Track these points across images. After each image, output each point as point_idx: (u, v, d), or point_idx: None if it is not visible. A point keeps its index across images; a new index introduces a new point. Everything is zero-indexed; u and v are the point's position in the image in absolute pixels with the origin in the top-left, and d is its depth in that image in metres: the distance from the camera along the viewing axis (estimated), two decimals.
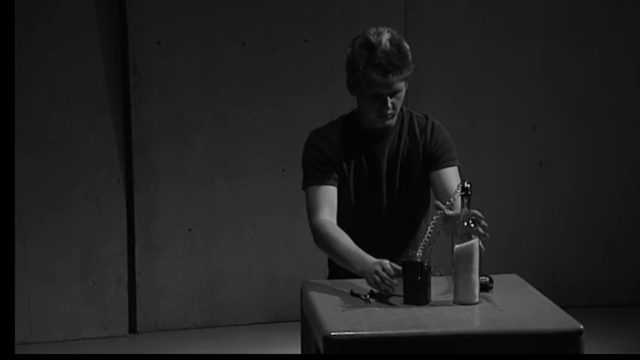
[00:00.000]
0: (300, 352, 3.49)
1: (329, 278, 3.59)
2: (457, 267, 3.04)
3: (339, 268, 3.41)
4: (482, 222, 3.02)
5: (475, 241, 3.03)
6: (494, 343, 2.83)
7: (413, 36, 5.34)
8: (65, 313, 5.18)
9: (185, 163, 5.31)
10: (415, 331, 2.83)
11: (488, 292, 3.18)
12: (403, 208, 3.51)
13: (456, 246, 3.03)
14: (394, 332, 2.83)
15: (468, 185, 3.03)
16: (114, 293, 5.25)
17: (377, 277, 3.11)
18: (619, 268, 5.68)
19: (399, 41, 3.38)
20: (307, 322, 3.22)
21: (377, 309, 3.03)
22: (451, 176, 3.45)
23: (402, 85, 3.39)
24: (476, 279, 3.05)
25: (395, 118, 3.46)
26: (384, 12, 5.42)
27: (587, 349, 2.88)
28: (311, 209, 3.48)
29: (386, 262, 3.14)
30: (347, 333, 2.81)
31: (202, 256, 5.36)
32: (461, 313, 3.00)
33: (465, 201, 3.02)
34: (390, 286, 3.09)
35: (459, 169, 3.50)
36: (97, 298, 5.22)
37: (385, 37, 3.37)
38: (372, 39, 3.36)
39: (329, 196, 3.44)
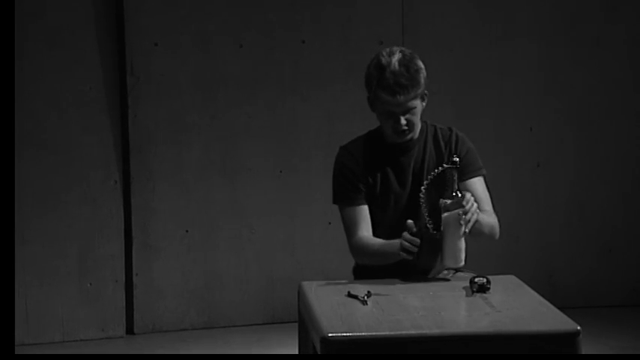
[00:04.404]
0: (297, 353, 3.49)
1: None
2: (445, 233, 3.27)
3: (362, 276, 3.60)
4: (467, 209, 3.26)
5: (458, 211, 3.26)
6: (492, 344, 2.83)
7: (410, 37, 5.35)
8: (62, 314, 5.18)
9: (182, 164, 5.31)
10: (412, 332, 2.84)
11: (485, 293, 3.19)
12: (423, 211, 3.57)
13: (445, 214, 3.26)
14: (391, 333, 2.83)
15: (457, 159, 3.29)
16: (111, 294, 5.24)
17: (405, 244, 3.29)
18: (616, 269, 5.68)
19: (409, 61, 3.49)
20: (305, 323, 3.23)
21: (374, 310, 3.03)
22: (477, 186, 3.57)
23: (415, 103, 3.49)
24: (462, 245, 3.28)
25: (415, 132, 3.56)
26: (382, 13, 5.42)
27: (584, 349, 2.89)
28: (348, 230, 3.61)
29: (404, 232, 3.34)
30: (344, 334, 2.82)
31: (200, 257, 5.35)
32: (458, 314, 3.00)
33: (455, 173, 3.27)
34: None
35: (484, 177, 3.62)
36: (95, 299, 5.22)
37: (395, 57, 3.48)
38: (383, 60, 3.49)
39: (364, 214, 3.58)
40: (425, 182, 3.38)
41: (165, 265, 5.31)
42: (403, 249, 3.31)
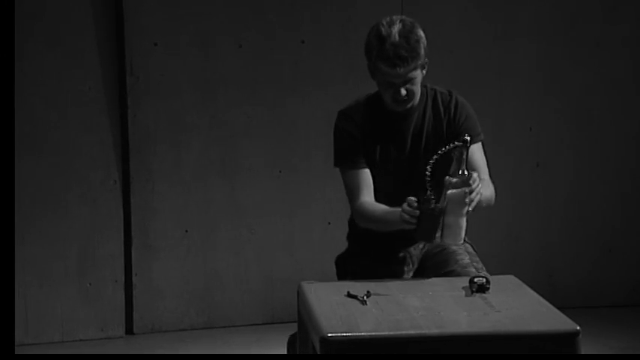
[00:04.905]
0: (297, 353, 3.49)
1: (349, 252, 3.76)
2: (448, 211, 3.25)
3: (360, 242, 3.64)
4: (473, 188, 3.24)
5: (464, 190, 3.24)
6: (491, 344, 2.83)
7: None
8: (62, 314, 5.17)
9: (182, 164, 5.31)
10: (412, 332, 2.83)
11: (485, 293, 3.19)
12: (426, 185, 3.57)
13: (450, 191, 3.24)
14: (391, 333, 2.83)
15: (468, 138, 3.24)
16: (111, 294, 5.24)
17: (405, 216, 3.29)
18: (616, 269, 5.68)
19: (409, 32, 3.47)
20: (304, 323, 3.22)
21: (374, 310, 3.03)
22: (475, 153, 3.55)
23: (415, 73, 3.48)
24: (464, 223, 3.27)
25: (415, 100, 3.54)
26: (381, 13, 5.38)
27: (584, 349, 2.89)
28: (351, 194, 3.59)
29: (404, 204, 3.32)
30: (344, 334, 2.81)
31: (199, 258, 5.35)
32: (458, 314, 3.00)
33: (464, 152, 3.23)
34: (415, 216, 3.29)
35: (482, 143, 3.61)
36: (94, 299, 5.22)
37: (395, 28, 3.47)
38: (383, 30, 3.47)
39: (366, 178, 3.56)
40: (433, 157, 3.32)
41: (165, 265, 5.31)
42: (403, 220, 3.31)
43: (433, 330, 2.84)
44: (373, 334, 2.83)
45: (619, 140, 5.65)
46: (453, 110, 3.58)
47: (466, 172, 3.26)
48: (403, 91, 3.48)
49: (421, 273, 3.65)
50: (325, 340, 2.80)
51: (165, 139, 5.27)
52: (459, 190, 3.25)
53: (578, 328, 2.85)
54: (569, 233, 5.64)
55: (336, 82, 5.39)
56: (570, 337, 2.83)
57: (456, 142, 3.28)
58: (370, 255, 3.65)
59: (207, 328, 5.36)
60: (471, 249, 3.67)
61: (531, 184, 5.61)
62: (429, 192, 3.30)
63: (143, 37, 5.20)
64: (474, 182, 3.26)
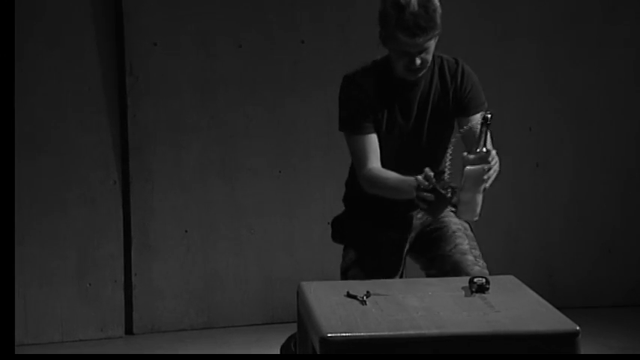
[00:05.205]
0: (296, 353, 3.49)
1: (347, 215, 3.78)
2: (465, 186, 3.25)
3: (359, 205, 3.68)
4: (492, 165, 3.26)
5: (482, 167, 3.26)
6: (491, 345, 2.83)
7: None
8: (61, 314, 5.17)
9: (181, 165, 5.31)
10: (412, 332, 2.83)
11: (484, 293, 3.18)
12: (430, 153, 3.61)
13: (469, 168, 3.25)
14: (390, 333, 2.83)
15: (489, 115, 3.29)
16: (110, 295, 5.24)
17: (420, 187, 3.25)
18: (615, 270, 5.68)
19: (427, 1, 3.45)
20: (304, 323, 3.22)
21: (373, 310, 3.03)
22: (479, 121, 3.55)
23: (430, 43, 3.48)
24: (480, 199, 3.28)
25: (426, 68, 3.55)
26: None
27: (584, 350, 2.89)
28: (358, 160, 3.58)
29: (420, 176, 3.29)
30: (343, 334, 2.81)
31: (199, 258, 5.35)
32: (457, 314, 3.00)
33: (484, 130, 3.26)
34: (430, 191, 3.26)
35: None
36: (94, 299, 5.21)
37: None
38: (402, 0, 3.44)
39: (373, 144, 3.55)
40: (455, 135, 3.36)
41: (165, 266, 5.31)
42: (417, 191, 3.28)
43: (433, 330, 2.84)
44: (373, 334, 2.83)
45: (619, 140, 5.65)
46: (459, 79, 3.61)
47: (484, 149, 3.28)
48: (418, 61, 3.48)
49: (418, 245, 3.67)
50: (325, 341, 2.80)
51: (164, 139, 5.27)
52: (478, 167, 3.26)
53: (577, 328, 2.85)
54: (569, 233, 5.64)
55: (335, 82, 5.35)
56: (570, 338, 2.83)
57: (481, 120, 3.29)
58: (370, 219, 3.66)
59: (206, 329, 5.36)
60: (469, 231, 3.69)
61: (531, 184, 5.61)
62: (447, 173, 3.31)
63: (143, 37, 5.20)
64: (492, 160, 3.27)
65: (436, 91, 3.59)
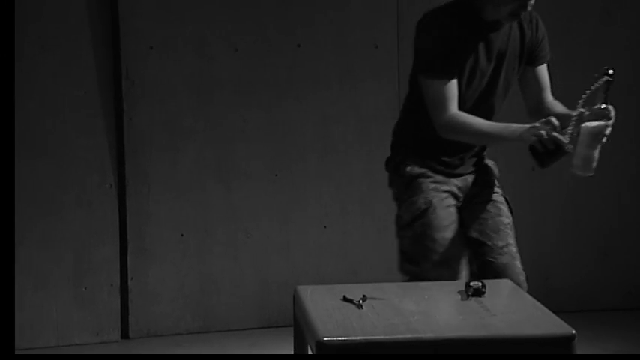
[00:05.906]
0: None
1: (401, 159, 3.66)
2: (583, 142, 3.29)
3: (417, 151, 3.58)
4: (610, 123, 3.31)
5: (604, 124, 3.32)
6: (487, 348, 2.83)
7: (406, 42, 5.34)
8: (57, 318, 5.17)
9: (178, 168, 5.30)
10: (408, 336, 2.83)
11: (480, 296, 3.19)
12: (500, 100, 3.64)
13: (589, 124, 3.30)
14: (387, 337, 2.83)
15: (612, 71, 3.37)
16: (106, 298, 5.24)
17: (541, 133, 3.29)
18: (611, 273, 5.68)
19: None
20: (300, 327, 3.22)
21: (369, 314, 3.03)
22: (545, 72, 3.71)
23: None
24: (597, 155, 3.32)
25: None
26: (377, 17, 5.42)
27: (580, 353, 2.88)
28: (440, 105, 3.49)
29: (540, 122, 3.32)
30: (339, 338, 2.81)
31: (195, 261, 5.35)
32: (453, 318, 3.00)
33: (607, 86, 3.33)
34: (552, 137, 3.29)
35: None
36: (89, 303, 5.21)
37: None
38: None
39: (454, 89, 3.49)
40: (583, 96, 3.36)
41: (161, 269, 5.31)
42: (536, 136, 3.30)
43: (429, 334, 2.84)
44: (369, 338, 2.83)
45: (615, 144, 5.62)
46: (534, 27, 3.63)
47: (603, 105, 3.32)
48: (530, 6, 3.46)
49: (467, 213, 3.68)
50: (321, 344, 2.80)
51: (161, 142, 5.27)
52: (599, 123, 3.31)
53: (573, 331, 2.85)
54: (565, 237, 5.64)
55: (331, 85, 5.39)
56: (566, 341, 2.83)
57: (604, 76, 3.35)
58: (431, 169, 3.64)
59: (203, 332, 5.36)
60: (511, 225, 3.76)
61: (527, 187, 5.61)
62: (571, 127, 3.30)
63: (139, 40, 5.20)
64: (612, 116, 3.32)
65: (514, 38, 3.59)
